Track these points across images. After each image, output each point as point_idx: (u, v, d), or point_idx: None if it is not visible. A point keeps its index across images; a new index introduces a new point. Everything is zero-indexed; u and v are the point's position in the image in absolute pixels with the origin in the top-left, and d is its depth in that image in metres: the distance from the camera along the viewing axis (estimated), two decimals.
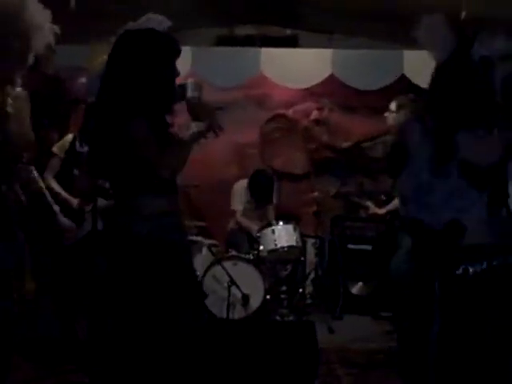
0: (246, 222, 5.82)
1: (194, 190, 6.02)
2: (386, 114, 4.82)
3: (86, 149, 4.18)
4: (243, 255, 5.21)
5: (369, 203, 5.22)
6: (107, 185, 4.13)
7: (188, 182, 5.43)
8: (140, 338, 2.33)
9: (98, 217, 3.91)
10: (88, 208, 4.21)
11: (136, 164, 2.33)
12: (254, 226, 5.67)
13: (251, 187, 5.84)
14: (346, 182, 6.47)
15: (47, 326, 4.41)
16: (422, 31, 2.34)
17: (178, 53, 2.48)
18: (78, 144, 4.36)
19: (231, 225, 5.96)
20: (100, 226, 3.97)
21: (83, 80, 5.40)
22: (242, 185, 5.94)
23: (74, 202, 4.32)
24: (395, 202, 4.82)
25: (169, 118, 2.46)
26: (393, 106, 4.76)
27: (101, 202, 4.07)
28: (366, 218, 5.81)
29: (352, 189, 6.25)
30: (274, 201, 6.02)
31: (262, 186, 5.83)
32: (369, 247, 5.84)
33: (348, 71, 5.95)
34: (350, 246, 5.87)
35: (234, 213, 5.87)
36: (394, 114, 4.72)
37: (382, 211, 5.08)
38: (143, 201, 2.34)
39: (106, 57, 2.50)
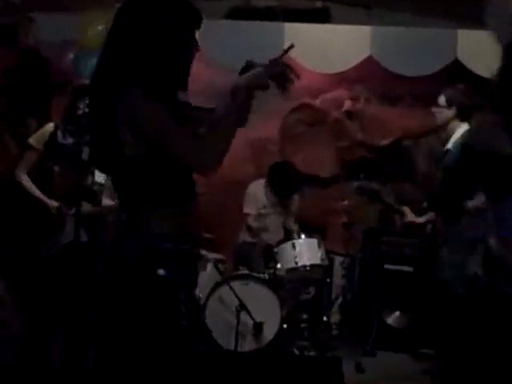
0: (261, 231, 5.84)
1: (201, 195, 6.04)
2: (434, 110, 4.78)
3: (70, 140, 4.30)
4: (256, 274, 5.18)
5: (406, 209, 5.18)
6: (96, 186, 4.23)
7: None
8: (125, 368, 2.35)
9: (81, 225, 3.89)
10: (69, 213, 4.21)
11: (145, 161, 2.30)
12: (272, 237, 5.69)
13: (271, 180, 5.89)
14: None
15: (16, 348, 4.40)
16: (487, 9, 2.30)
17: (197, 20, 2.46)
18: (60, 134, 4.35)
19: (242, 236, 5.96)
20: (84, 237, 4.00)
21: (71, 57, 5.40)
22: (258, 185, 5.98)
23: (53, 204, 4.32)
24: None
25: (182, 96, 2.45)
26: (441, 100, 4.73)
27: (85, 206, 4.09)
28: (407, 232, 5.77)
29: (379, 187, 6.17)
30: (296, 206, 6.03)
31: (284, 178, 5.87)
32: (409, 268, 5.77)
33: (389, 53, 5.91)
34: (387, 267, 5.79)
35: (245, 217, 5.90)
36: (444, 111, 4.68)
37: (420, 220, 5.05)
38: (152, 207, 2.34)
39: (100, 27, 2.47)
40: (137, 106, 2.25)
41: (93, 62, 4.93)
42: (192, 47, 2.45)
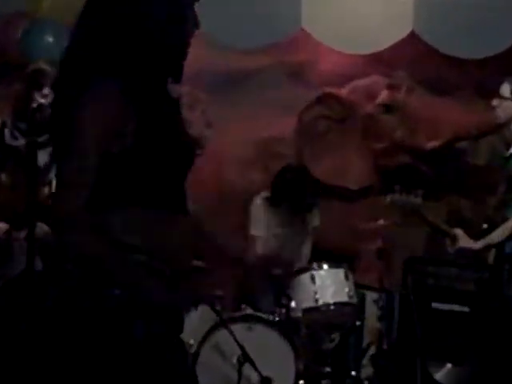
0: (270, 256, 5.86)
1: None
2: (494, 103, 4.80)
3: (21, 142, 4.32)
4: (264, 315, 5.20)
5: (458, 231, 5.18)
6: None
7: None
8: None
9: (35, 251, 3.89)
10: (20, 236, 4.26)
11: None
12: (284, 264, 5.73)
13: (274, 191, 5.92)
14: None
15: None
16: None
17: None
18: (8, 134, 4.41)
19: (246, 264, 5.95)
20: (39, 265, 3.98)
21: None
22: (264, 199, 6.00)
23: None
24: (498, 233, 4.84)
25: (175, 92, 2.48)
26: (505, 90, 4.76)
27: (41, 227, 4.09)
28: (462, 262, 5.73)
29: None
30: (316, 223, 6.07)
31: (292, 190, 5.87)
32: (464, 308, 5.71)
33: (438, 28, 5.89)
34: (435, 306, 5.74)
35: (252, 241, 5.94)
36: (507, 104, 4.72)
37: (477, 246, 5.04)
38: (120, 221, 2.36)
39: None
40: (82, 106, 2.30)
41: (47, 39, 5.00)
42: (189, 24, 2.46)
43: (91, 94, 2.30)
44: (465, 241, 5.12)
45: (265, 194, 6.04)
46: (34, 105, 4.03)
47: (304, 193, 5.97)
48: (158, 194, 2.41)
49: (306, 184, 6.00)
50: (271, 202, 5.96)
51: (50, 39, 4.80)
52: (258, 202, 6.01)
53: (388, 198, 5.56)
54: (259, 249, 5.92)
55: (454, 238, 5.21)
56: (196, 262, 5.80)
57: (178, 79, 2.47)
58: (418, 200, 5.41)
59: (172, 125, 2.43)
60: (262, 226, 5.95)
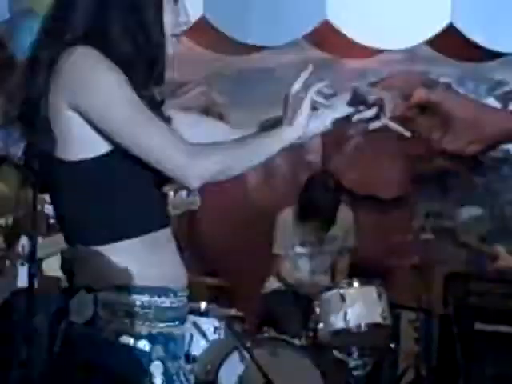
0: (296, 278, 5.89)
1: (207, 222, 6.11)
2: None
3: (18, 147, 4.35)
4: (289, 338, 5.20)
5: (500, 249, 5.17)
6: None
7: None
8: None
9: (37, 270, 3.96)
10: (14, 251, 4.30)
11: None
12: (311, 286, 5.73)
13: (301, 202, 5.92)
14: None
15: None
16: None
17: None
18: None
19: (270, 283, 5.99)
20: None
21: None
22: (292, 214, 6.00)
23: None
24: None
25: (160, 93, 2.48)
26: None
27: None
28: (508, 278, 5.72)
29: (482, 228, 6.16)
30: (352, 243, 6.07)
31: (320, 200, 5.86)
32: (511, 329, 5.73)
33: (479, 21, 5.88)
34: (479, 327, 5.77)
35: (276, 261, 5.96)
36: None
37: None
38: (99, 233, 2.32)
39: None
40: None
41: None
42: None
43: None
44: (505, 258, 5.12)
45: (291, 208, 6.02)
46: None
47: (336, 203, 5.97)
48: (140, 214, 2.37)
49: (337, 193, 6.01)
50: (298, 215, 5.95)
51: None
52: (283, 217, 6.01)
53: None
54: (283, 269, 5.93)
55: (495, 257, 5.21)
56: (214, 280, 5.84)
57: (159, 79, 2.46)
58: (449, 223, 5.43)
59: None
60: (287, 245, 5.96)
